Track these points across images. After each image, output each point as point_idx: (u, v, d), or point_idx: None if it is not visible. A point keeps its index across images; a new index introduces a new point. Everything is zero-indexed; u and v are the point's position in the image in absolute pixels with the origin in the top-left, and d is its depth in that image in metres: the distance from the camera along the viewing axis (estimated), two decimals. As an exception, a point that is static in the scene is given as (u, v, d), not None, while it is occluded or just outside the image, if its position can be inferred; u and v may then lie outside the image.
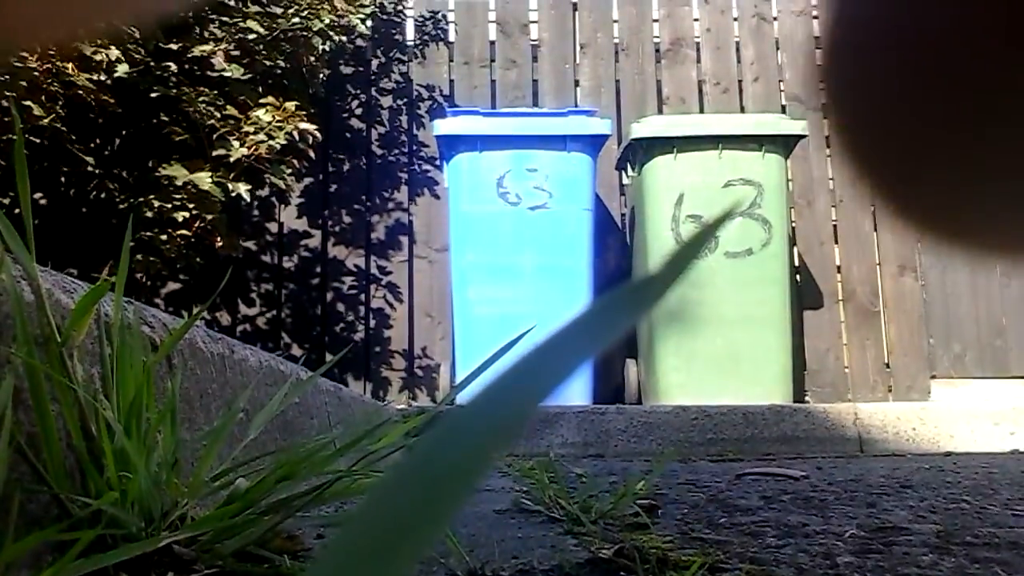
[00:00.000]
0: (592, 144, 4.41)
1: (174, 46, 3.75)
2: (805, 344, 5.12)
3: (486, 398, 0.14)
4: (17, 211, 0.88)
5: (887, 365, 5.21)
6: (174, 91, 3.68)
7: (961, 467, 2.69)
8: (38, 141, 3.54)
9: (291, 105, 3.85)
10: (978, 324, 5.30)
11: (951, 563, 1.03)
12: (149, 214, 3.68)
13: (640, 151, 4.50)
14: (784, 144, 4.46)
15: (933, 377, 5.22)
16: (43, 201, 4.20)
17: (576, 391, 4.18)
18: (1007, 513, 1.50)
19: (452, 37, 5.48)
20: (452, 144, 4.37)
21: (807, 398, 5.04)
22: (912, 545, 1.15)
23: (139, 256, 3.76)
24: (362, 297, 5.17)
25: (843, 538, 1.23)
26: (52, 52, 3.12)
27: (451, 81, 5.45)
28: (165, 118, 3.77)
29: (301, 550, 0.97)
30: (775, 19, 5.53)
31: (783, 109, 5.32)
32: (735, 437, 3.70)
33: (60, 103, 3.29)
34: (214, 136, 3.74)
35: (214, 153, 3.75)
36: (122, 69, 3.41)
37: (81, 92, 3.29)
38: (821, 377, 5.15)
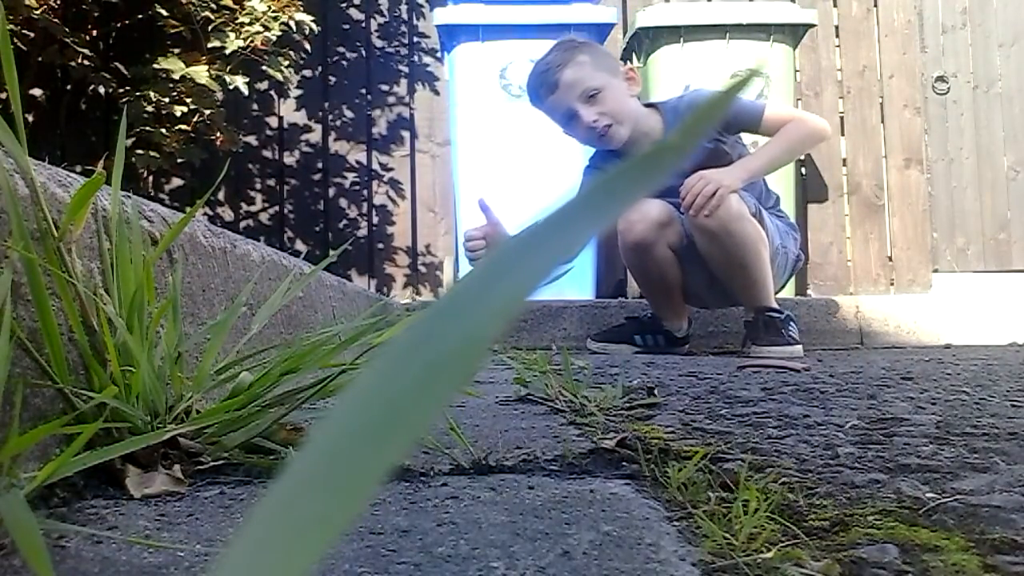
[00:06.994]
0: (597, 33, 4.30)
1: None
2: (808, 237, 5.10)
3: (481, 280, 0.13)
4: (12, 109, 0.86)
5: (890, 258, 5.20)
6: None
7: (961, 359, 2.71)
8: (31, 35, 3.48)
9: (286, -6, 3.77)
10: (982, 217, 5.28)
11: (951, 453, 1.04)
12: (149, 108, 3.64)
13: (646, 40, 4.40)
14: (792, 33, 4.36)
15: (935, 270, 5.22)
16: (41, 98, 4.15)
17: (579, 287, 4.19)
18: (1006, 404, 1.51)
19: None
20: (453, 34, 4.27)
21: (809, 291, 5.06)
22: (912, 436, 1.16)
23: (140, 151, 3.73)
24: (364, 193, 5.13)
25: (844, 429, 1.24)
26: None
27: (452, -31, 5.30)
28: (161, 11, 3.69)
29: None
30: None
31: (792, -3, 5.19)
32: (736, 330, 3.71)
33: (51, -7, 3.22)
34: (209, 28, 3.67)
35: (210, 45, 3.68)
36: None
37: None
38: (824, 270, 5.16)
